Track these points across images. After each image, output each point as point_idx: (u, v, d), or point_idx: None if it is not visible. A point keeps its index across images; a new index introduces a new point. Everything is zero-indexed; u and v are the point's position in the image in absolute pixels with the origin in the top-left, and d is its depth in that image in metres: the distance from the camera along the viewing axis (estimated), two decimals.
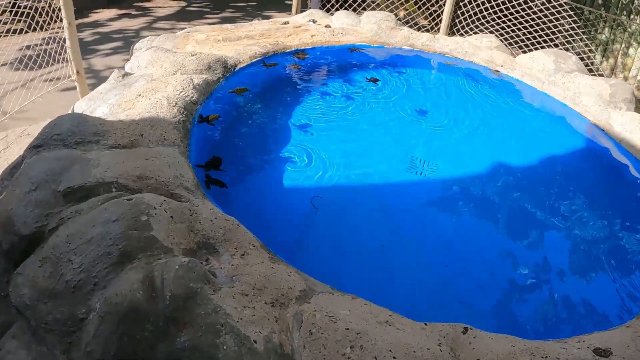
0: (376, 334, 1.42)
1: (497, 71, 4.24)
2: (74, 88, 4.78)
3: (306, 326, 1.43)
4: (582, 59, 5.60)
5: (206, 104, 2.84)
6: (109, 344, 1.28)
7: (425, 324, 1.63)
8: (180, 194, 1.88)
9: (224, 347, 1.26)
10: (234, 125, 3.04)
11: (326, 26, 4.47)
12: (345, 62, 4.13)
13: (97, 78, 5.60)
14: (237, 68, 3.39)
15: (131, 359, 1.25)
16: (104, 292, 1.38)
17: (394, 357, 1.36)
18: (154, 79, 2.85)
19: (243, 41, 3.83)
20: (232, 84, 3.25)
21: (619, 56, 6.10)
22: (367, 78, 3.87)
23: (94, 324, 1.33)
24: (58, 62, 4.64)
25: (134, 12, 7.88)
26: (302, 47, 4.01)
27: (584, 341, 1.76)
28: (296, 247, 2.31)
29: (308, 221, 2.47)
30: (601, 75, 5.65)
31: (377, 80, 3.86)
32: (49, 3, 4.48)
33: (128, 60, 3.54)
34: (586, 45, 5.80)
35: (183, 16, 7.93)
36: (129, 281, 1.34)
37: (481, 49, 4.44)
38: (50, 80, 4.67)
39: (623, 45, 5.85)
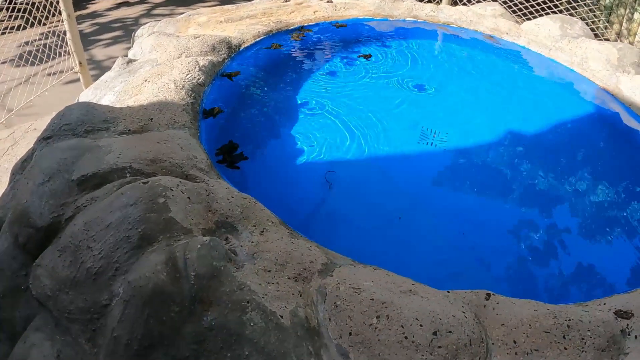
0: (401, 303, 1.42)
1: (491, 37, 4.19)
2: (77, 80, 4.80)
3: (330, 299, 1.43)
4: (589, 24, 5.52)
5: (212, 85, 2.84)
6: (136, 327, 1.27)
7: (448, 292, 1.63)
8: (195, 175, 1.87)
9: (251, 324, 1.26)
10: (242, 105, 3.03)
11: (328, 1, 4.43)
12: (349, 36, 4.09)
13: (99, 68, 5.61)
14: (241, 48, 3.37)
15: (158, 342, 1.24)
16: (127, 277, 1.37)
17: (421, 325, 1.35)
18: (159, 63, 2.84)
19: (245, 21, 3.80)
20: (238, 64, 3.24)
21: (624, 21, 6.00)
22: (359, 54, 3.78)
23: (119, 309, 1.33)
24: (60, 55, 4.66)
25: (131, 0, 7.84)
26: (306, 24, 3.97)
27: (604, 304, 1.76)
28: (312, 222, 2.31)
29: (323, 196, 2.47)
30: (607, 40, 5.59)
31: (369, 55, 3.76)
32: None
33: (130, 47, 3.52)
34: (590, 10, 5.71)
35: (181, 0, 7.89)
36: (151, 263, 1.33)
37: (486, 18, 4.39)
38: (53, 73, 4.68)
39: (628, 10, 5.75)
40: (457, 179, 2.76)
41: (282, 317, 1.32)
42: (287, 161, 2.68)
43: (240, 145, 2.59)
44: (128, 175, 1.82)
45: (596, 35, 5.45)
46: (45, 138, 2.15)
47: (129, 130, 2.15)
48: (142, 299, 1.27)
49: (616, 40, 5.90)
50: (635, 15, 5.76)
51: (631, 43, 5.90)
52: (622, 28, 5.99)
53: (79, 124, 2.14)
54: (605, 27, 5.81)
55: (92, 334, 1.46)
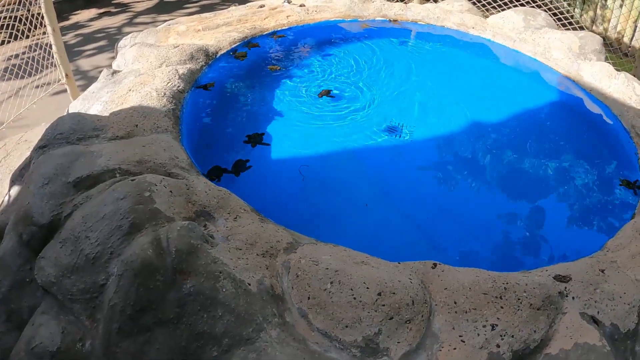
0: (352, 271, 1.67)
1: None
2: (65, 91, 4.94)
3: (293, 271, 1.68)
4: (561, 13, 5.69)
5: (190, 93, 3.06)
6: (128, 295, 1.53)
7: (399, 263, 1.85)
8: (177, 172, 2.12)
9: (223, 290, 1.53)
10: (220, 108, 3.24)
11: (301, 5, 4.63)
12: (320, 37, 4.29)
13: (85, 79, 5.76)
14: (218, 55, 3.58)
15: (147, 306, 1.51)
16: (120, 258, 1.63)
17: (367, 288, 1.61)
18: (141, 73, 3.06)
19: (222, 28, 4.00)
20: (215, 70, 3.45)
21: (598, 8, 6.19)
22: (319, 93, 3.46)
23: (114, 283, 1.59)
24: (46, 67, 4.79)
25: (113, 10, 7.96)
26: (279, 29, 4.18)
27: (546, 270, 1.94)
28: (287, 213, 2.51)
29: (297, 188, 2.69)
30: (582, 28, 5.73)
31: (329, 91, 3.47)
32: (29, 9, 4.62)
33: (114, 58, 3.73)
34: None
35: (162, 8, 8.01)
36: (140, 244, 1.59)
37: (453, 14, 4.58)
38: (41, 85, 4.82)
39: None
40: (423, 168, 2.95)
41: (249, 284, 1.58)
42: (263, 159, 2.88)
43: (218, 147, 2.82)
44: (118, 175, 2.06)
45: (570, 24, 5.62)
46: (42, 147, 2.37)
47: (117, 136, 2.39)
48: (133, 272, 1.54)
49: (591, 28, 6.08)
50: (609, 2, 5.90)
51: (605, 30, 6.11)
52: (597, 15, 6.18)
53: (72, 133, 2.36)
54: (580, 15, 5.95)
55: (92, 311, 1.71)
